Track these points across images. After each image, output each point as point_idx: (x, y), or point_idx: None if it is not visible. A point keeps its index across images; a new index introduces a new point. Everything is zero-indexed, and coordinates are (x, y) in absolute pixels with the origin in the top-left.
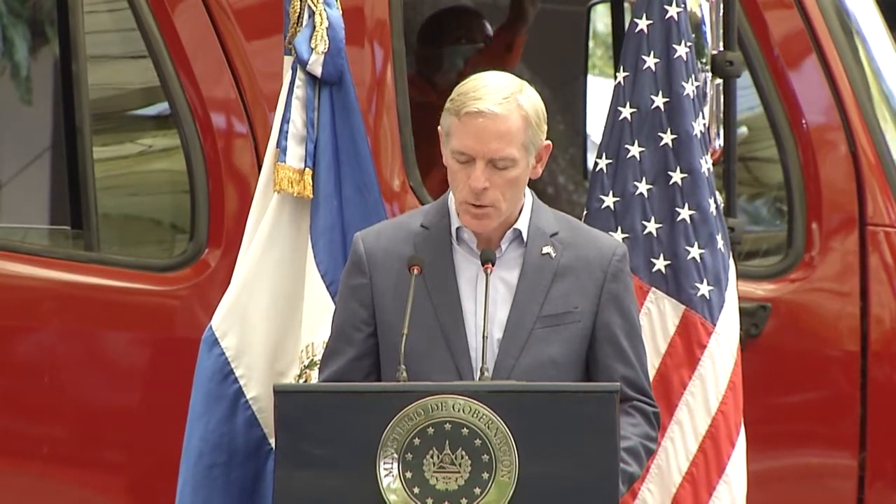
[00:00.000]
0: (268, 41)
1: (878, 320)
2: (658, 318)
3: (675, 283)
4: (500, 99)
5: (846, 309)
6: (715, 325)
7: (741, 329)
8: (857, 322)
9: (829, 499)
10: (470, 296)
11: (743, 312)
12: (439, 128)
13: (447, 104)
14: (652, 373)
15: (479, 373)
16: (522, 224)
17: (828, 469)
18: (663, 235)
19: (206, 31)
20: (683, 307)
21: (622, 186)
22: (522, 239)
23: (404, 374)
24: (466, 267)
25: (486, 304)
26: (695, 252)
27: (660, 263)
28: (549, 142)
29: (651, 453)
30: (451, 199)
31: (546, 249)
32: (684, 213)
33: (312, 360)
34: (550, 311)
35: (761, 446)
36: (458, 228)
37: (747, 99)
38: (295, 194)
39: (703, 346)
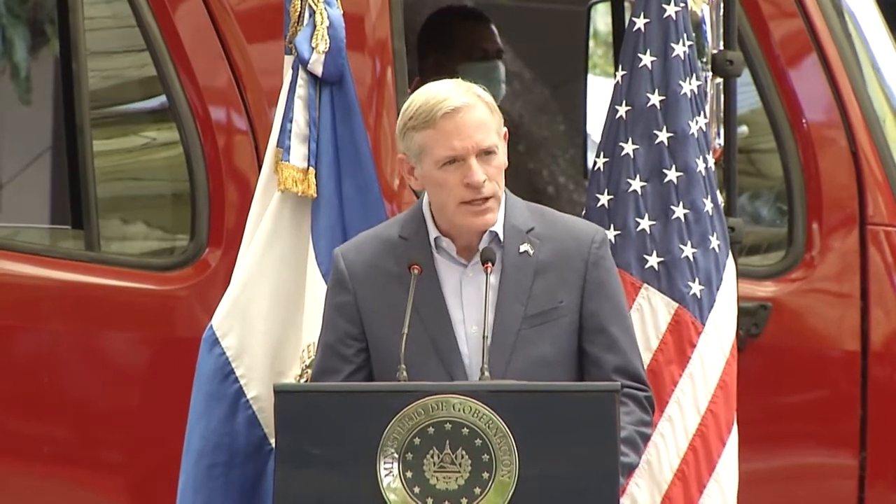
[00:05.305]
0: (268, 38)
1: (879, 320)
2: (650, 315)
3: (668, 281)
4: (464, 92)
5: (847, 308)
6: (704, 324)
7: (742, 329)
8: (857, 322)
9: (830, 499)
10: (456, 304)
11: (743, 312)
12: (401, 155)
13: (407, 124)
14: None
15: (479, 373)
16: (498, 225)
17: (828, 469)
18: (657, 233)
19: (206, 33)
20: (676, 304)
21: (616, 184)
22: (499, 240)
23: (404, 373)
24: (449, 275)
25: (486, 304)
26: (688, 251)
27: (652, 260)
28: (505, 129)
29: (647, 438)
30: (426, 207)
31: (524, 247)
32: (679, 212)
33: (313, 360)
34: (535, 310)
35: (762, 446)
36: (436, 238)
37: (748, 97)
38: (299, 193)
39: (694, 346)
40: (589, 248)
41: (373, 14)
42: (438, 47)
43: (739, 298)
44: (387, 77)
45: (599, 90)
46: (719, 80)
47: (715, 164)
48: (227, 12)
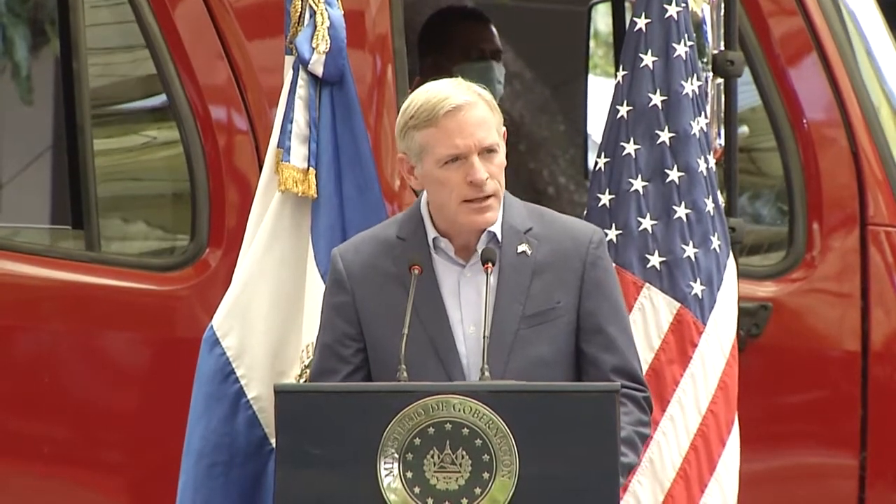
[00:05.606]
0: (268, 36)
1: (879, 320)
2: (652, 314)
3: (670, 281)
4: (464, 91)
5: (847, 309)
6: (705, 324)
7: (742, 329)
8: (857, 322)
9: (830, 499)
10: (454, 304)
11: (744, 312)
12: (401, 154)
13: (407, 123)
14: (644, 368)
15: (478, 373)
16: (496, 226)
17: (829, 469)
18: (659, 232)
19: (206, 31)
20: (678, 304)
21: (617, 184)
22: (497, 240)
23: (404, 373)
24: (447, 276)
25: (487, 304)
26: (690, 251)
27: (654, 260)
28: (504, 128)
29: (646, 438)
30: (424, 207)
31: (522, 248)
32: (681, 212)
33: (312, 360)
34: (533, 311)
35: (762, 446)
36: (434, 238)
37: (748, 97)
38: (300, 194)
39: (695, 345)
40: (587, 249)
41: (373, 11)
42: (436, 47)
43: (740, 298)
44: (387, 76)
45: (600, 90)
46: (720, 80)
47: (716, 164)
48: (226, 10)
